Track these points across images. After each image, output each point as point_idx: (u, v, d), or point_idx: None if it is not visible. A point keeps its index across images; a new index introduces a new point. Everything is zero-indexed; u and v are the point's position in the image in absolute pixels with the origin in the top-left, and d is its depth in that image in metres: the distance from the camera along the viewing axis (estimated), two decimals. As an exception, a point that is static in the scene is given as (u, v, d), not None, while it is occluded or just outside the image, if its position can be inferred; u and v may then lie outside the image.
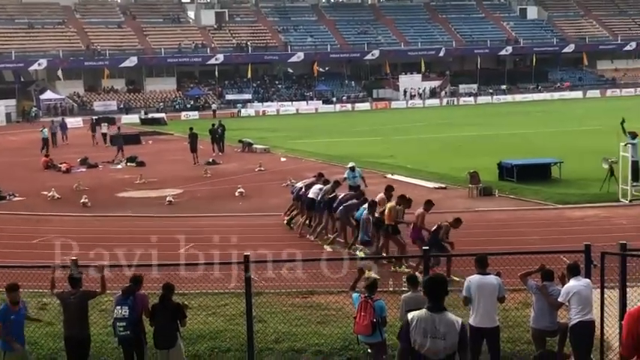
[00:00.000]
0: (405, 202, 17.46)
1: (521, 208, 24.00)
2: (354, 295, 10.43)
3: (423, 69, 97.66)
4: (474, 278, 10.19)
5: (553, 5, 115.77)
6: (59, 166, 37.53)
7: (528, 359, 10.29)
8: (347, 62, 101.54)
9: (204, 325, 12.60)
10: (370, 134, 51.65)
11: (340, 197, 19.64)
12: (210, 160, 38.49)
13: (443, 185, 28.36)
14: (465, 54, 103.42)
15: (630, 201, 23.34)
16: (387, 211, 17.12)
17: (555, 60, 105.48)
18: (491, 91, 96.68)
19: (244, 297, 10.65)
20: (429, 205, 16.95)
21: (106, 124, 54.66)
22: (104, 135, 50.89)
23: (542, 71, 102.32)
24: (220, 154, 42.07)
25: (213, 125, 44.62)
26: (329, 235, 19.46)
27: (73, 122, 66.08)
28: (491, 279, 10.18)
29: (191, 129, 40.77)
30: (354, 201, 19.14)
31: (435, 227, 15.97)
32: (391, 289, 13.67)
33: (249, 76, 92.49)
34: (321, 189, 20.32)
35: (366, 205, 17.94)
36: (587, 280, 10.17)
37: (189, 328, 11.40)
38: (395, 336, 10.83)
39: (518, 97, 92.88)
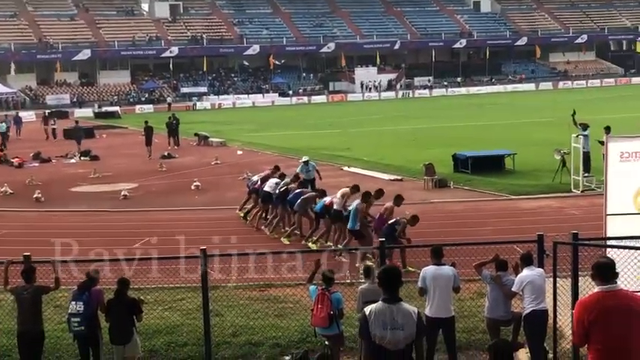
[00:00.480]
0: (368, 197, 17.36)
1: (475, 199, 24.25)
2: (312, 287, 10.44)
3: (378, 62, 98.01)
4: (430, 269, 10.27)
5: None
6: (11, 160, 36.88)
7: (483, 348, 10.40)
8: (303, 55, 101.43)
9: (160, 319, 12.50)
10: (326, 127, 51.71)
11: (297, 190, 19.62)
12: (166, 153, 38.17)
13: (399, 177, 28.51)
14: (420, 47, 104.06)
15: (582, 191, 23.73)
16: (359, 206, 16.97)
17: (508, 53, 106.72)
18: (445, 83, 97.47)
19: (201, 291, 10.59)
20: (398, 200, 17.03)
21: (54, 119, 53.75)
22: (53, 130, 50.13)
23: (495, 64, 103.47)
24: (176, 147, 41.76)
25: (169, 118, 44.26)
26: (286, 229, 19.45)
27: (26, 116, 64.92)
28: (447, 270, 10.27)
29: (146, 122, 40.51)
30: (312, 194, 19.14)
31: (392, 221, 16.04)
32: (348, 281, 13.71)
33: (205, 69, 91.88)
34: (277, 183, 20.27)
35: (329, 199, 17.96)
36: (540, 269, 10.31)
37: (145, 323, 11.30)
38: (351, 328, 10.91)
39: (473, 90, 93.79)
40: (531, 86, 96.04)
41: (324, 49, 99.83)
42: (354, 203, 17.07)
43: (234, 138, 45.71)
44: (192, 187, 27.77)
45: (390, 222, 16.06)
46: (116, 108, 78.32)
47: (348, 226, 16.87)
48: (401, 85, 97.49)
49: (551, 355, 10.48)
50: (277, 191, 19.91)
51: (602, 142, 16.51)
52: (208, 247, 10.54)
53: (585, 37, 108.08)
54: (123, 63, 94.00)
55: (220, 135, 46.93)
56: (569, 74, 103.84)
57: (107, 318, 10.28)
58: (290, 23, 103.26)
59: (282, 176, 20.94)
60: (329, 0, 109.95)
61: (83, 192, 28.46)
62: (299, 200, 18.81)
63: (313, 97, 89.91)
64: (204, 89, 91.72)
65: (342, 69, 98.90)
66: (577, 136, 25.05)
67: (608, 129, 23.55)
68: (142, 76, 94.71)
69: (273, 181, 20.50)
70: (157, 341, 11.82)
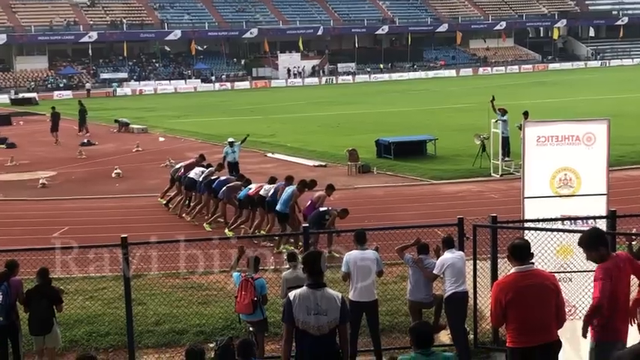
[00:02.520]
0: (306, 185, 17.38)
1: (398, 184, 24.53)
2: (235, 274, 10.41)
3: (301, 48, 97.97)
4: (353, 254, 10.34)
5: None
6: None
7: (406, 331, 10.57)
8: (225, 41, 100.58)
9: (81, 309, 12.28)
10: (250, 113, 51.48)
11: (222, 178, 19.51)
12: (86, 140, 37.39)
13: (323, 163, 28.63)
14: (343, 33, 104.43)
15: (501, 175, 24.27)
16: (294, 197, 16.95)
17: (430, 39, 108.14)
18: (368, 69, 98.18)
19: (122, 280, 10.45)
20: (330, 189, 17.08)
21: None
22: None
23: (417, 50, 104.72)
24: (80, 134, 41.17)
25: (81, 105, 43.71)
26: (208, 215, 19.32)
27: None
28: (370, 254, 10.36)
29: (53, 108, 40.64)
30: (238, 182, 19.05)
31: (323, 209, 16.09)
32: (272, 267, 13.72)
33: (125, 54, 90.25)
34: (203, 171, 20.13)
35: (254, 187, 17.89)
36: (461, 252, 10.51)
37: (65, 314, 11.09)
38: (276, 313, 10.93)
39: (395, 76, 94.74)
40: (452, 72, 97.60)
41: (247, 35, 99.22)
42: (290, 188, 17.10)
43: (156, 125, 45.08)
44: (113, 175, 27.30)
45: (320, 210, 16.12)
46: (33, 94, 76.20)
47: (278, 208, 16.86)
48: (324, 72, 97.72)
49: (471, 336, 10.73)
50: (201, 178, 19.76)
51: (520, 127, 16.91)
52: (130, 236, 10.38)
53: (504, 24, 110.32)
54: (40, 48, 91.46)
55: (142, 122, 46.23)
56: (489, 60, 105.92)
57: (26, 308, 10.06)
58: (212, 8, 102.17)
59: (208, 166, 20.80)
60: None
61: (0, 181, 27.67)
62: (224, 188, 18.72)
63: (236, 84, 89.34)
64: (124, 75, 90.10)
65: (266, 55, 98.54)
66: (496, 122, 25.60)
67: (526, 114, 24.19)
68: (60, 61, 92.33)
69: (198, 169, 20.34)
70: (77, 331, 11.62)
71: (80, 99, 50.07)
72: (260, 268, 10.70)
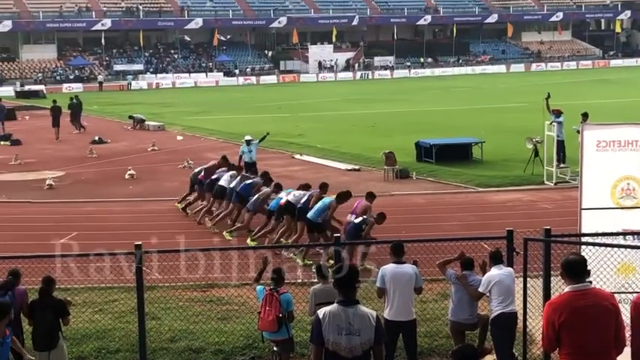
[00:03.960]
0: (345, 197, 17.41)
1: (440, 191, 24.47)
2: (258, 287, 10.44)
3: (334, 39, 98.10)
4: (389, 268, 10.32)
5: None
6: None
7: (447, 355, 10.54)
8: (251, 30, 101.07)
9: (89, 323, 12.39)
10: (277, 110, 51.63)
11: (246, 182, 19.51)
12: (97, 138, 37.77)
13: (356, 167, 28.63)
14: (381, 23, 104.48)
15: (555, 184, 24.10)
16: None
17: (477, 31, 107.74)
18: (408, 64, 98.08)
19: (135, 292, 10.52)
20: (371, 197, 17.03)
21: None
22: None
23: (463, 43, 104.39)
24: (82, 130, 41.97)
25: (71, 99, 44.28)
26: (230, 223, 19.39)
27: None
28: (408, 268, 10.34)
29: (54, 102, 41.38)
30: (268, 190, 19.05)
31: (359, 220, 16.06)
32: (300, 280, 13.75)
33: (141, 44, 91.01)
34: (232, 176, 20.20)
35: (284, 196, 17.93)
36: (509, 268, 10.45)
37: (72, 327, 11.20)
38: (303, 332, 10.95)
39: (438, 71, 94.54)
40: (502, 68, 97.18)
41: (275, 24, 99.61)
42: (328, 199, 17.14)
43: (174, 122, 45.39)
44: (126, 176, 27.52)
45: (356, 221, 16.09)
46: (41, 87, 77.11)
47: (309, 216, 16.89)
48: (359, 65, 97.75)
49: (520, 362, 10.66)
50: (232, 185, 19.73)
51: (578, 131, 16.80)
52: (144, 243, 10.47)
53: (561, 14, 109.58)
54: (48, 36, 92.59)
55: (158, 118, 46.57)
56: (543, 55, 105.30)
57: (30, 321, 10.16)
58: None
59: (234, 168, 20.88)
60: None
61: (3, 181, 28.00)
62: (254, 198, 18.76)
63: (262, 78, 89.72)
64: (140, 67, 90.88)
65: (295, 46, 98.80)
66: (550, 123, 25.41)
67: (585, 115, 24.00)
68: (70, 51, 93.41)
69: (227, 174, 20.40)
70: (85, 347, 11.72)
71: (76, 94, 50.59)
72: (286, 281, 10.72)
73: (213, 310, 13.22)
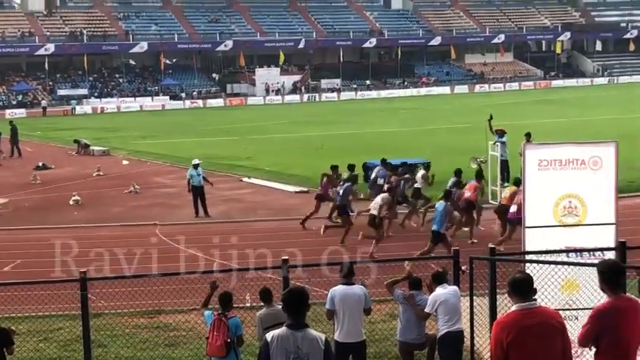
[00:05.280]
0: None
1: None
2: (207, 312, 10.36)
3: (281, 62, 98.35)
4: (339, 289, 10.31)
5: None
6: None
7: (396, 375, 10.55)
8: (197, 54, 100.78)
9: (34, 352, 12.18)
10: (225, 134, 51.49)
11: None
12: (41, 164, 37.23)
13: (305, 189, 28.64)
14: (327, 46, 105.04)
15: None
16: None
17: (422, 53, 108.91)
18: (355, 86, 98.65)
19: (80, 319, 10.36)
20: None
21: None
22: None
23: (408, 65, 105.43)
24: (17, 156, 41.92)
25: (10, 123, 44.33)
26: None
27: None
28: (357, 289, 10.33)
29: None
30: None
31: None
32: (248, 304, 13.66)
33: (86, 68, 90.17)
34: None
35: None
36: (455, 287, 10.52)
37: (17, 357, 10.97)
38: (252, 356, 10.86)
39: (384, 93, 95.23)
40: (446, 89, 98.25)
41: (221, 48, 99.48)
42: (441, 204, 17.99)
43: (119, 146, 44.99)
44: (71, 202, 27.18)
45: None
46: (-18, 113, 75.87)
47: (435, 228, 17.64)
48: (306, 88, 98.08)
49: (468, 380, 10.71)
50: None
51: (521, 153, 17.05)
52: (89, 270, 10.32)
53: (503, 37, 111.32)
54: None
55: (103, 143, 46.14)
56: (486, 77, 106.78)
57: (-29, 352, 9.95)
58: (182, 18, 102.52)
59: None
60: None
61: (-57, 209, 27.43)
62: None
63: (209, 101, 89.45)
64: (84, 91, 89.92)
65: (242, 69, 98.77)
66: (494, 144, 25.72)
67: (528, 135, 24.34)
68: (12, 76, 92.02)
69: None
70: (30, 377, 11.51)
71: (11, 119, 50.21)
72: (235, 305, 10.65)
73: (160, 336, 13.08)
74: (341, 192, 21.12)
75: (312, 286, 14.41)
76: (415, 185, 22.57)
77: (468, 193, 20.14)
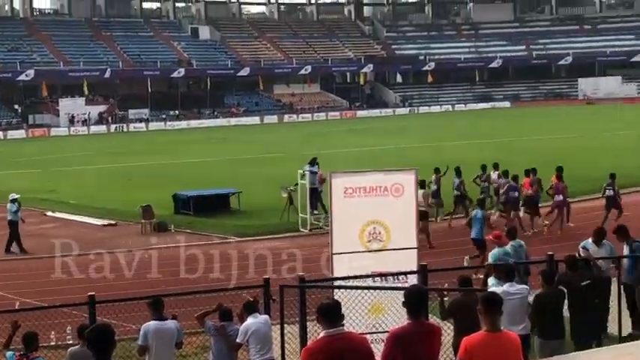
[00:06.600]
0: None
1: (198, 242, 24.42)
2: (8, 353, 9.86)
3: (86, 92, 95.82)
4: (152, 325, 10.11)
5: (225, 26, 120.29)
6: None
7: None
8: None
9: None
10: (26, 166, 49.46)
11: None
12: None
13: (113, 222, 28.02)
14: (134, 76, 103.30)
15: (310, 230, 24.80)
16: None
17: (231, 84, 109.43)
18: (164, 116, 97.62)
19: None
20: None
21: None
22: None
23: (217, 95, 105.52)
24: None
25: None
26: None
27: None
28: (170, 324, 10.20)
29: None
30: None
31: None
32: (53, 343, 13.13)
33: None
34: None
35: None
36: (266, 316, 10.58)
37: None
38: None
39: (194, 123, 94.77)
40: (256, 119, 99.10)
41: (22, 77, 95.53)
42: (478, 211, 19.70)
43: None
44: None
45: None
46: None
47: (474, 235, 19.00)
48: (113, 118, 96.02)
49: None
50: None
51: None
52: None
53: (310, 68, 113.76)
54: None
55: None
56: (295, 107, 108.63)
57: None
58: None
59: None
60: (26, 21, 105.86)
61: None
62: None
63: (10, 132, 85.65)
64: None
65: (44, 100, 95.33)
66: (303, 172, 26.23)
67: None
68: None
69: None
70: None
71: None
72: (40, 344, 10.21)
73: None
74: None
75: (119, 321, 14.10)
76: None
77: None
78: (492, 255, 13.46)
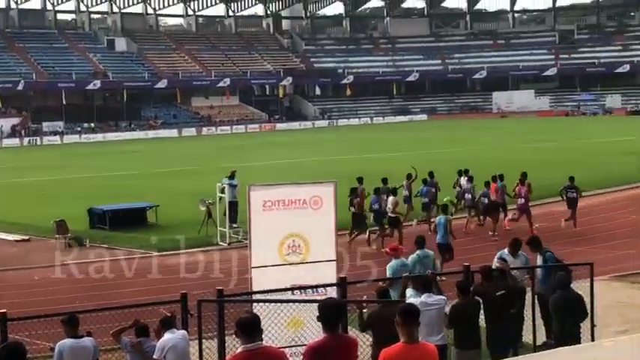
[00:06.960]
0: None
1: (114, 257, 23.97)
2: None
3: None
4: (67, 343, 9.89)
5: (142, 38, 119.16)
6: None
7: None
8: None
9: None
10: None
11: None
12: None
13: (26, 237, 27.36)
14: (48, 88, 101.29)
15: (229, 244, 24.64)
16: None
17: (148, 96, 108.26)
18: (79, 129, 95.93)
19: None
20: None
21: None
22: None
23: (134, 108, 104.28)
24: None
25: None
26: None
27: None
28: (87, 342, 10.00)
29: None
30: None
31: None
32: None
33: None
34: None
35: None
36: (183, 331, 10.44)
37: None
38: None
39: (110, 136, 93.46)
40: (174, 132, 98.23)
41: None
42: (442, 217, 20.51)
43: None
44: None
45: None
46: None
47: (438, 240, 19.82)
48: (27, 131, 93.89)
49: None
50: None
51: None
52: None
53: (228, 80, 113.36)
54: None
55: None
56: (213, 119, 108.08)
57: None
58: None
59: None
60: None
61: None
62: None
63: None
64: None
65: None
66: (223, 185, 26.06)
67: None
68: None
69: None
70: None
71: None
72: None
73: None
74: None
75: (32, 339, 13.72)
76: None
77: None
78: (390, 267, 13.48)
